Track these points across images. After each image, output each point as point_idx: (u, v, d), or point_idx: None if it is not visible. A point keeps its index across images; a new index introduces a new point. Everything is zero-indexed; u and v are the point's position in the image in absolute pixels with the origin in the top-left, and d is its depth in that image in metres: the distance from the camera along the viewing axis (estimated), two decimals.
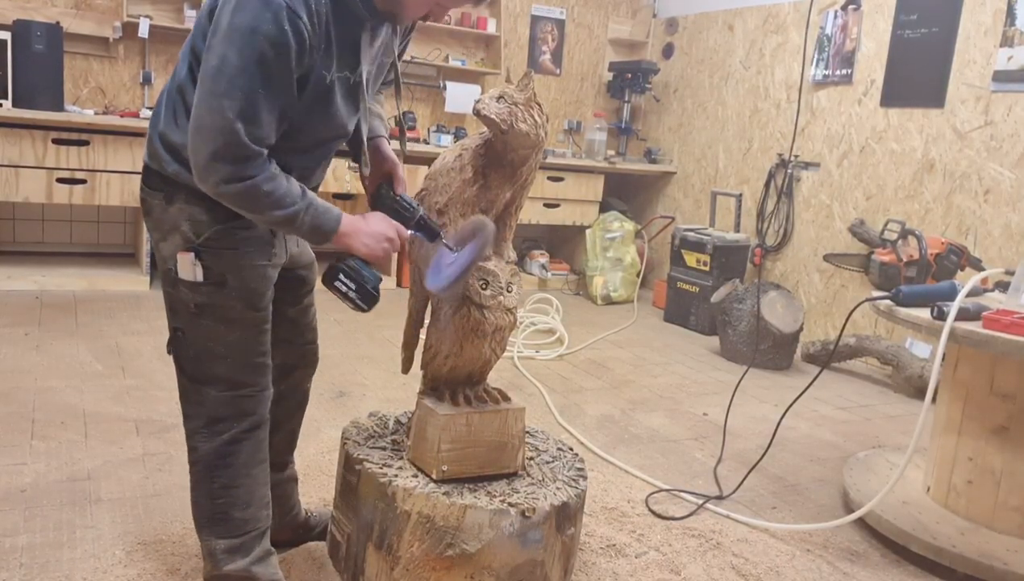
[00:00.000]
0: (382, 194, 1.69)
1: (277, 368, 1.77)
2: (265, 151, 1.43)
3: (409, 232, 1.66)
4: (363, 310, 1.61)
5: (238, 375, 1.62)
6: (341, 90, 1.55)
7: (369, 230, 1.58)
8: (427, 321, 1.87)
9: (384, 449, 1.85)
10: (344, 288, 1.57)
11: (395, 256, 5.13)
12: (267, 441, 1.71)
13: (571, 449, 2.01)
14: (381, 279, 1.63)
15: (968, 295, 2.17)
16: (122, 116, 4.32)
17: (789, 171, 4.86)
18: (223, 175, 1.41)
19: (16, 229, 4.76)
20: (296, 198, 1.47)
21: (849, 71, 4.52)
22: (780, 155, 4.94)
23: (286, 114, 1.47)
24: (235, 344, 1.60)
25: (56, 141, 4.14)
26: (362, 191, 4.79)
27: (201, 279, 1.56)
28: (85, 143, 4.19)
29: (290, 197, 1.46)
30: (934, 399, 2.28)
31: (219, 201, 1.47)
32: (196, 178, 1.44)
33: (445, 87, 5.54)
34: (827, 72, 4.65)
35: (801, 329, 4.18)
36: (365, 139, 1.70)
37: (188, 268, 1.56)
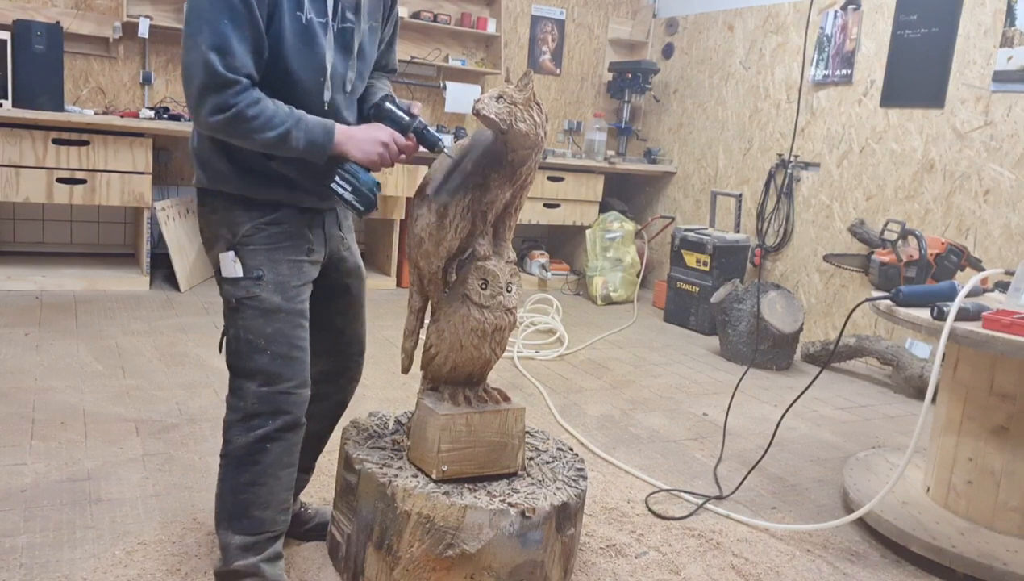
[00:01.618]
0: (380, 104, 1.73)
1: (320, 374, 1.82)
2: (244, 80, 1.52)
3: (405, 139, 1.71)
4: (360, 212, 1.68)
5: (276, 368, 1.67)
6: (325, 34, 1.63)
7: (364, 137, 1.65)
8: (427, 321, 1.88)
9: (384, 449, 1.85)
10: (340, 190, 1.64)
11: (396, 260, 5.14)
12: (299, 447, 1.74)
13: (571, 449, 2.01)
14: (378, 184, 1.69)
15: (968, 295, 2.17)
16: (122, 116, 4.32)
17: (789, 171, 4.86)
18: (210, 107, 1.51)
19: (16, 229, 4.76)
20: (285, 117, 1.56)
21: (849, 71, 4.52)
22: (780, 155, 4.94)
23: (261, 49, 1.55)
24: (273, 336, 1.67)
25: (56, 141, 4.14)
26: None
27: (240, 274, 1.67)
28: (85, 143, 4.19)
29: (278, 117, 1.55)
30: (934, 399, 2.28)
31: (216, 136, 1.58)
32: (194, 121, 1.57)
33: (445, 87, 5.54)
34: (827, 72, 4.65)
35: (801, 329, 4.18)
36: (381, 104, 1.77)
37: (228, 266, 1.67)
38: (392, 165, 1.70)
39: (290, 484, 1.73)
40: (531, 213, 5.48)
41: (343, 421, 2.06)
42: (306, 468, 1.99)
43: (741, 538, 2.33)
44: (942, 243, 2.61)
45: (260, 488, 1.68)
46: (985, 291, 2.44)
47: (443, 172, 1.72)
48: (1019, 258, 3.69)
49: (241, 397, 1.68)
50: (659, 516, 2.41)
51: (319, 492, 2.33)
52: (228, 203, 1.67)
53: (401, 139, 1.69)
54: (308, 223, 1.73)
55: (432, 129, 1.73)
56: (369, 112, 1.76)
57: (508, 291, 1.75)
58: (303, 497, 2.14)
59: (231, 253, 1.66)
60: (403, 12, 5.23)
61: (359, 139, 1.64)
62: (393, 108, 1.71)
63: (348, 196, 1.64)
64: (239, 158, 1.64)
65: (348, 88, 1.71)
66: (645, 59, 6.00)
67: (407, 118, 1.71)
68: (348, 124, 1.72)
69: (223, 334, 1.73)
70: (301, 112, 1.59)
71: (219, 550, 1.72)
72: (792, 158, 4.85)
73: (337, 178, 1.64)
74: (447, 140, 1.78)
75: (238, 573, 1.69)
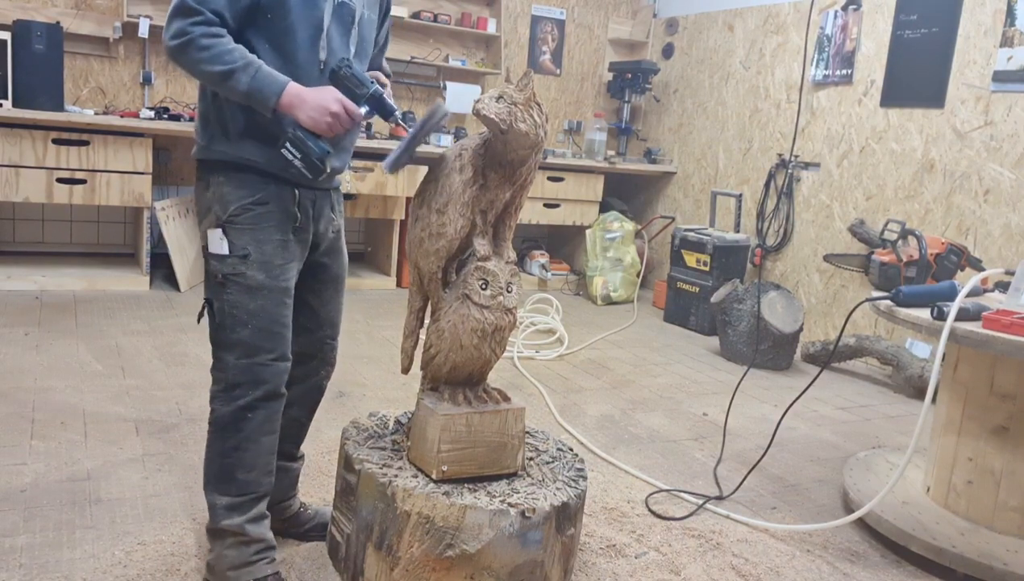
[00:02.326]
0: (336, 69, 1.68)
1: (295, 355, 1.85)
2: (209, 13, 1.58)
3: (363, 109, 1.69)
4: (308, 179, 1.69)
5: (256, 340, 1.73)
6: (325, 1, 1.69)
7: (314, 103, 1.63)
8: (427, 321, 1.87)
9: (384, 449, 1.85)
10: (289, 156, 1.66)
11: (397, 256, 5.14)
12: (279, 414, 1.81)
13: (571, 449, 2.01)
14: (328, 152, 1.68)
15: (968, 295, 2.17)
16: (122, 116, 4.32)
17: (789, 171, 4.86)
18: (172, 31, 1.58)
19: (16, 229, 4.76)
20: (237, 58, 1.59)
21: (849, 71, 4.52)
22: (780, 155, 4.94)
23: None
24: (256, 312, 1.73)
25: (56, 141, 4.14)
26: (363, 192, 4.81)
27: (227, 252, 1.72)
28: (85, 143, 4.19)
29: (231, 56, 1.59)
30: (934, 399, 2.28)
31: (173, 62, 1.63)
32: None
33: (445, 87, 5.54)
34: (827, 72, 4.65)
35: (801, 329, 4.18)
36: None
37: (216, 242, 1.73)
38: (343, 132, 1.70)
39: (272, 448, 1.80)
40: (531, 213, 5.48)
41: (342, 420, 2.06)
42: (291, 456, 2.03)
43: (741, 538, 2.33)
44: (942, 243, 2.61)
45: (244, 453, 1.75)
46: (985, 291, 2.44)
47: (402, 145, 1.74)
48: (1019, 258, 3.69)
49: (222, 368, 1.75)
50: (659, 516, 2.41)
51: (319, 492, 2.33)
52: (221, 178, 1.72)
53: (353, 107, 1.67)
54: (297, 201, 1.76)
55: (392, 104, 1.72)
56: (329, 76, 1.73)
57: (508, 291, 1.75)
58: (303, 497, 2.15)
59: (219, 230, 1.72)
60: (403, 12, 5.23)
61: (308, 103, 1.63)
62: (350, 73, 1.67)
63: (296, 163, 1.65)
64: (239, 121, 1.69)
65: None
66: (645, 59, 6.00)
67: (362, 85, 1.67)
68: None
69: (204, 306, 1.78)
70: (261, 62, 1.61)
71: (209, 511, 1.80)
72: (792, 158, 4.85)
73: (287, 144, 1.65)
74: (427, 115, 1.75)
75: (224, 531, 1.77)
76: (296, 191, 1.75)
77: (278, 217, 1.74)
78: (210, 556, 1.81)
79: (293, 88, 1.63)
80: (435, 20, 5.43)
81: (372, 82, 1.70)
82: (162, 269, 4.78)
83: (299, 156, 1.65)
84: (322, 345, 1.96)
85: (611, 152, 6.00)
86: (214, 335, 1.77)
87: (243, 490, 1.77)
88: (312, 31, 1.68)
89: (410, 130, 1.73)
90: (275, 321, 1.75)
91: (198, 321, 1.82)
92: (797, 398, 2.63)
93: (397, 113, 1.73)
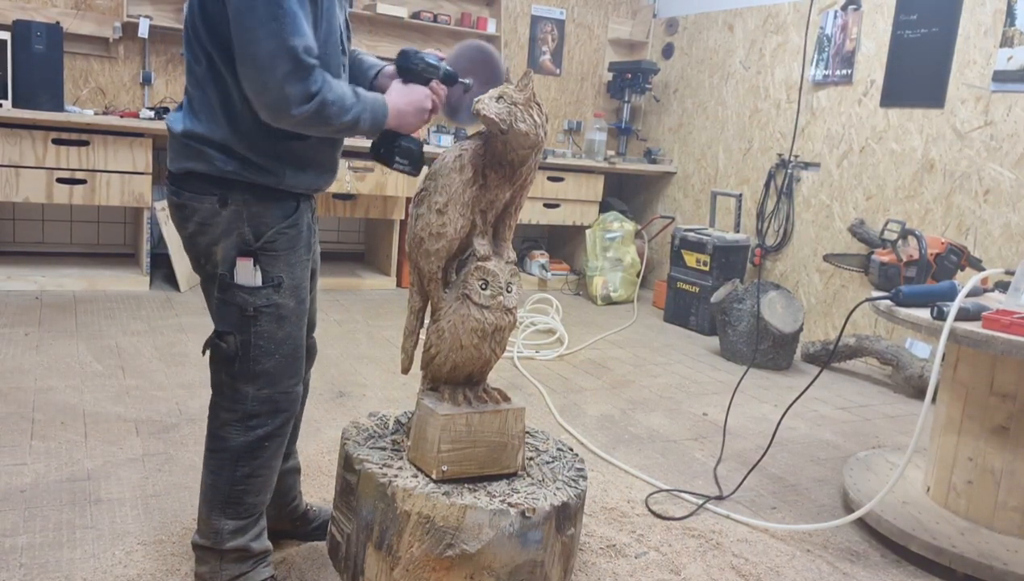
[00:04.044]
0: (409, 59, 1.72)
1: None
2: (315, 61, 1.46)
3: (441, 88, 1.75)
4: (416, 176, 1.77)
5: (281, 369, 1.66)
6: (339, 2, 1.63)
7: (413, 109, 1.67)
8: (427, 321, 1.87)
9: (384, 449, 1.85)
10: (401, 167, 1.70)
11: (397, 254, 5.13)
12: (289, 434, 1.77)
13: (571, 449, 2.01)
14: (421, 142, 1.74)
15: (968, 295, 2.17)
16: (122, 116, 4.32)
17: (789, 171, 4.86)
18: (296, 98, 1.42)
19: (16, 229, 4.76)
20: (353, 99, 1.53)
21: (849, 71, 4.52)
22: (780, 155, 4.94)
23: (318, 21, 1.51)
24: (284, 340, 1.65)
25: (56, 141, 4.14)
26: (362, 192, 4.81)
27: (260, 283, 1.60)
28: (85, 143, 4.19)
29: (348, 100, 1.52)
30: (934, 399, 2.28)
31: (298, 129, 1.49)
32: (271, 118, 1.46)
33: None
34: (827, 72, 4.65)
35: (801, 329, 4.18)
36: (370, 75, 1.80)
37: (248, 274, 1.58)
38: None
39: (279, 467, 1.77)
40: (531, 213, 5.48)
41: (342, 420, 2.06)
42: (290, 453, 2.00)
43: (741, 538, 2.33)
44: (942, 243, 2.61)
45: (256, 479, 1.70)
46: (985, 291, 2.44)
47: (459, 99, 1.80)
48: (1019, 258, 3.69)
49: (239, 400, 1.65)
50: (659, 516, 2.41)
51: (319, 492, 2.33)
52: (249, 198, 1.56)
53: (441, 94, 1.72)
54: (312, 212, 1.73)
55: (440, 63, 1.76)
56: (397, 65, 1.73)
57: (508, 291, 1.75)
58: (306, 498, 2.14)
59: (251, 261, 1.57)
60: (403, 12, 5.24)
61: (409, 113, 1.65)
62: (425, 66, 1.71)
63: (408, 169, 1.70)
64: (271, 147, 1.55)
65: (347, 51, 1.72)
66: (645, 59, 6.00)
67: (434, 68, 1.72)
68: (343, 79, 1.70)
69: (217, 337, 1.65)
70: (358, 88, 1.57)
71: (209, 532, 1.72)
72: (792, 158, 4.85)
73: (397, 159, 1.69)
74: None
75: (228, 553, 1.72)
76: (311, 201, 1.72)
77: (304, 235, 1.66)
78: (203, 568, 1.74)
79: (392, 106, 1.62)
80: (435, 20, 5.43)
81: (440, 60, 1.74)
82: (162, 269, 4.78)
83: (407, 162, 1.69)
84: (308, 344, 1.92)
85: (611, 152, 6.00)
86: (234, 368, 1.63)
87: (251, 512, 1.73)
88: (336, 34, 1.61)
89: (470, 83, 1.77)
90: (298, 346, 1.68)
91: (203, 353, 1.67)
92: (797, 398, 2.63)
93: (459, 77, 1.77)
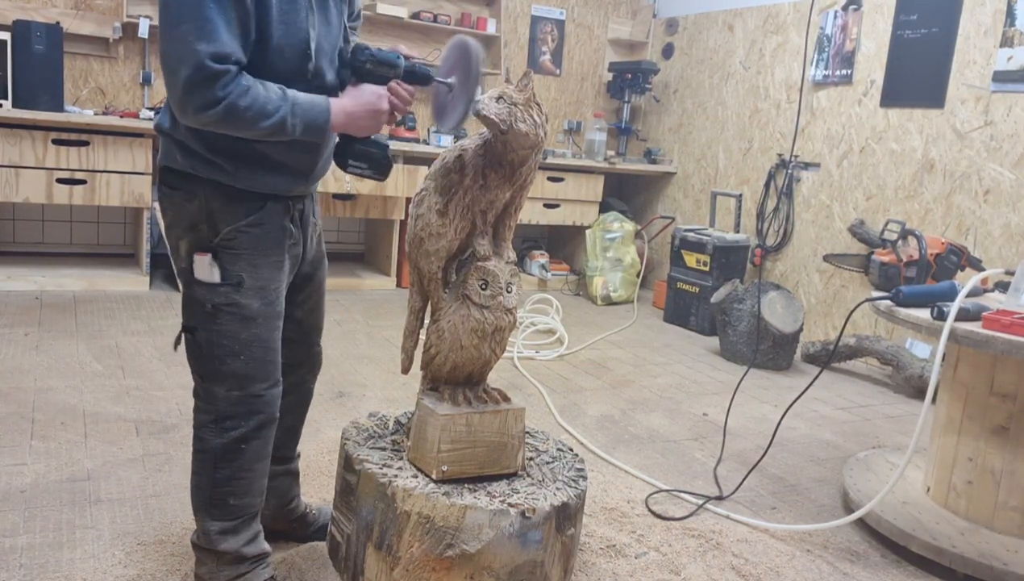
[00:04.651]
0: (356, 60, 1.60)
1: (283, 367, 1.78)
2: (232, 68, 1.42)
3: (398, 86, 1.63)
4: (381, 180, 1.67)
5: (250, 371, 1.63)
6: (308, 5, 1.54)
7: (362, 112, 1.57)
8: (427, 321, 1.87)
9: (384, 449, 1.85)
10: (359, 172, 1.62)
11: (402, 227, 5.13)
12: (272, 437, 1.74)
13: (571, 449, 2.01)
14: (388, 145, 1.65)
15: (968, 295, 2.17)
16: (122, 116, 4.32)
17: (789, 171, 4.86)
18: (198, 103, 1.41)
19: (16, 229, 4.76)
20: (278, 103, 1.47)
21: (849, 71, 4.52)
22: (780, 155, 4.94)
23: (248, 26, 1.45)
24: (249, 341, 1.62)
25: (56, 141, 4.14)
26: (362, 192, 4.81)
27: (219, 280, 1.58)
28: (85, 143, 4.19)
29: (271, 104, 1.46)
30: (934, 399, 2.28)
31: (205, 129, 1.48)
32: (179, 116, 1.47)
33: None
34: (827, 72, 4.65)
35: (801, 329, 4.18)
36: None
37: (205, 270, 1.58)
38: (403, 116, 1.63)
39: (265, 471, 1.74)
40: (531, 213, 5.48)
41: (342, 420, 2.06)
42: (289, 458, 1.99)
43: (741, 538, 2.33)
44: (942, 243, 2.61)
45: (239, 482, 1.68)
46: (985, 291, 2.44)
47: (443, 102, 1.67)
48: (1019, 258, 3.69)
49: (210, 400, 1.64)
50: (659, 516, 2.41)
51: (319, 492, 2.33)
52: (211, 194, 1.56)
53: (402, 94, 1.61)
54: (290, 214, 1.68)
55: (420, 62, 1.62)
56: (349, 70, 1.62)
57: (508, 291, 1.75)
58: (306, 498, 2.14)
59: (208, 256, 1.57)
60: (403, 12, 5.24)
61: (357, 115, 1.57)
62: (375, 63, 1.58)
63: (367, 173, 1.62)
64: (228, 146, 1.54)
65: (329, 53, 1.63)
66: (645, 59, 6.00)
67: (392, 65, 1.59)
68: (330, 83, 1.64)
69: (184, 332, 1.65)
70: (292, 92, 1.50)
71: (200, 532, 1.73)
72: (792, 158, 4.85)
73: (350, 162, 1.61)
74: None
75: (221, 556, 1.72)
76: (290, 202, 1.67)
77: (274, 236, 1.63)
78: (201, 569, 1.74)
79: (336, 108, 1.54)
80: (435, 20, 5.43)
81: (398, 56, 1.61)
82: (162, 269, 4.78)
83: (366, 166, 1.61)
84: (309, 352, 1.92)
85: (611, 152, 6.00)
86: (199, 366, 1.64)
87: (237, 514, 1.71)
88: (298, 42, 1.55)
89: (452, 82, 1.61)
90: (269, 349, 1.65)
91: (175, 348, 1.68)
92: (797, 398, 2.63)
93: (432, 73, 1.63)
